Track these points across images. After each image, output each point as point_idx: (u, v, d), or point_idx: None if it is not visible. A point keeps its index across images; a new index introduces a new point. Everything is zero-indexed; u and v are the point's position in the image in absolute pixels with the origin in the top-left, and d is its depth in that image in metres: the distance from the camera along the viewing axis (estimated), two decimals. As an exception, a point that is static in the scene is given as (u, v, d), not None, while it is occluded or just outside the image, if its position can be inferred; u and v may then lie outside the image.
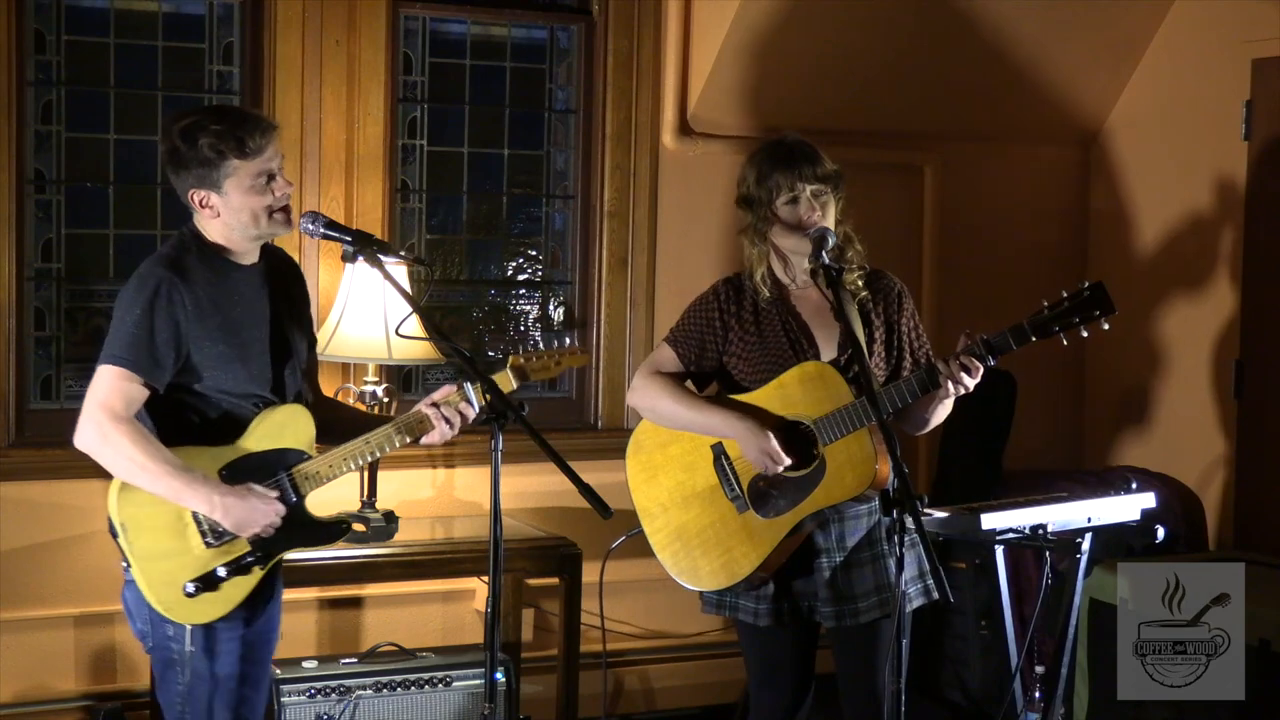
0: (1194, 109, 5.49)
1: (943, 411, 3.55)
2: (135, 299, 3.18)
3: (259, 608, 3.34)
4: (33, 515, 4.59)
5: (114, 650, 4.67)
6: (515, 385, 3.41)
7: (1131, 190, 5.77)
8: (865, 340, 3.51)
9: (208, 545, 3.21)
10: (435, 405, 3.36)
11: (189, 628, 3.21)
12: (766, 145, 3.62)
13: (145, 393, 3.17)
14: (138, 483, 3.15)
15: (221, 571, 3.20)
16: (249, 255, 3.33)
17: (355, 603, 4.94)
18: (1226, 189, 5.36)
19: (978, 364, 3.37)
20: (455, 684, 4.54)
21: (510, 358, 3.45)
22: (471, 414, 3.35)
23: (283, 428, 3.30)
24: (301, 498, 3.29)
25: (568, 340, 3.62)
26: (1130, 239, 5.76)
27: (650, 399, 3.64)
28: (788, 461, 3.45)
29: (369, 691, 4.46)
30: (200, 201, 3.24)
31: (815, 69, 5.24)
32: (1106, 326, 3.34)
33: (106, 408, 3.13)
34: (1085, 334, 3.35)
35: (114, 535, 3.21)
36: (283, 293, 3.39)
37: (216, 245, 3.28)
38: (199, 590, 3.18)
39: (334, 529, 3.39)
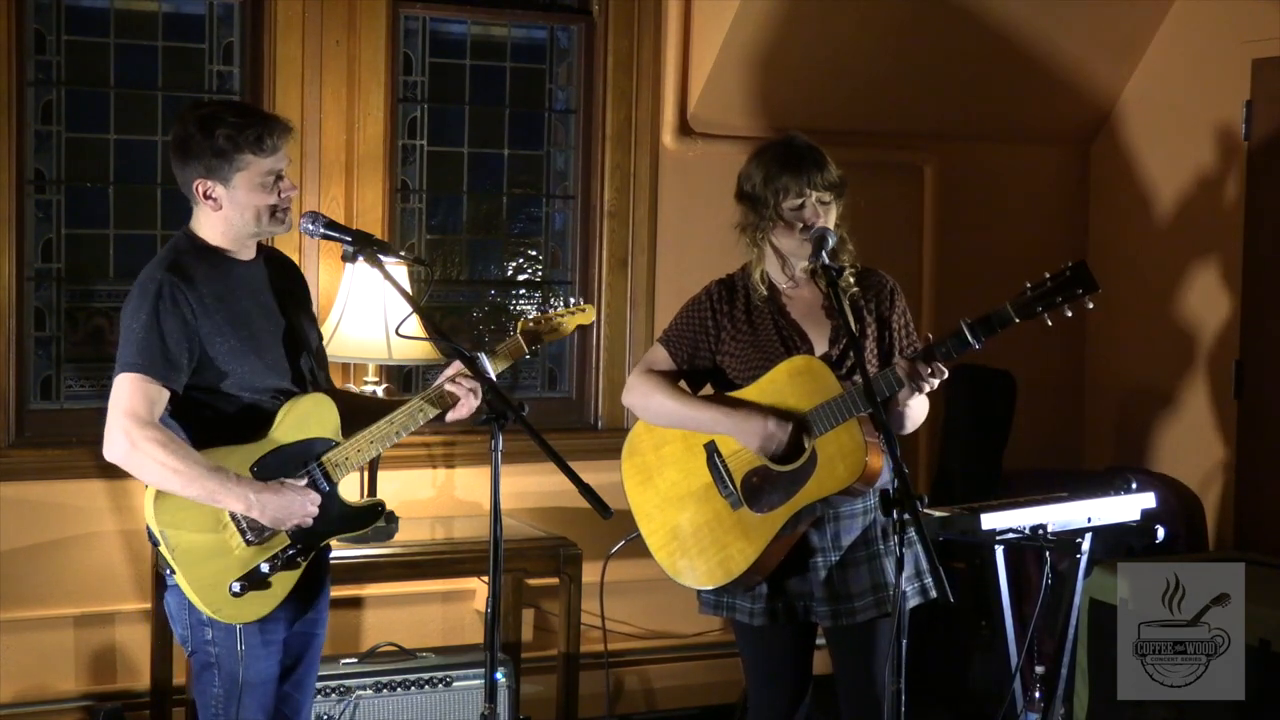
0: (1194, 109, 5.50)
1: (918, 408, 3.52)
2: (140, 305, 3.17)
3: (303, 606, 3.35)
4: (33, 515, 4.59)
5: (114, 650, 4.67)
6: (528, 351, 3.47)
7: (1131, 190, 5.76)
8: (857, 334, 3.52)
9: (248, 543, 3.20)
10: (453, 380, 3.37)
11: (239, 628, 3.21)
12: (775, 145, 3.61)
13: (165, 396, 3.15)
14: (171, 488, 3.13)
15: (265, 568, 3.21)
16: (246, 252, 3.33)
17: (355, 603, 4.94)
18: (1226, 189, 5.36)
19: (942, 368, 3.35)
20: (455, 684, 4.55)
21: (519, 322, 3.51)
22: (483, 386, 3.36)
23: (308, 417, 3.29)
24: (334, 485, 3.30)
25: (572, 301, 3.65)
26: (1130, 239, 5.76)
27: (644, 396, 3.65)
28: (788, 434, 3.44)
29: (369, 691, 4.46)
30: (204, 192, 3.23)
31: (815, 69, 5.24)
32: (1091, 305, 3.33)
33: (132, 415, 3.10)
34: (1069, 314, 3.34)
35: (154, 544, 3.19)
36: (285, 285, 3.40)
37: (213, 244, 3.28)
38: (245, 589, 3.18)
39: (369, 513, 3.40)
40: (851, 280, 3.58)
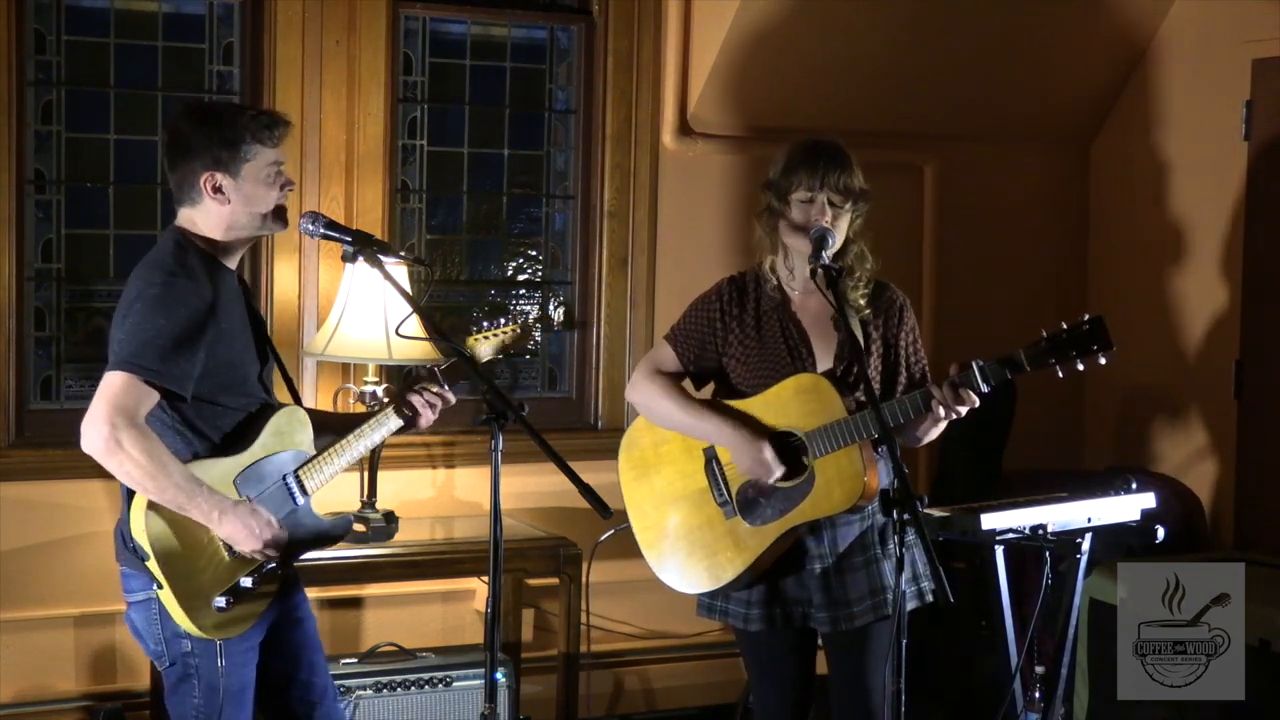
0: (1194, 109, 5.49)
1: (935, 432, 3.53)
2: (160, 307, 3.11)
3: (278, 603, 3.36)
4: (33, 515, 4.59)
5: (114, 650, 4.67)
6: (487, 357, 3.47)
7: (1131, 190, 5.76)
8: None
9: (231, 556, 3.20)
10: (417, 392, 3.39)
11: (219, 643, 3.19)
12: (806, 140, 3.60)
13: (154, 399, 3.11)
14: (139, 490, 3.10)
15: (247, 581, 3.20)
16: (234, 260, 3.32)
17: (355, 603, 4.95)
18: (1226, 189, 5.36)
19: (972, 395, 3.37)
20: (455, 684, 4.55)
21: (469, 339, 3.50)
22: (451, 398, 3.40)
23: (283, 430, 3.30)
24: (308, 497, 3.31)
25: (503, 321, 3.62)
26: (1130, 239, 5.76)
27: (647, 397, 3.65)
28: (780, 472, 3.47)
29: (369, 691, 4.46)
30: (213, 187, 3.20)
31: (815, 69, 5.24)
32: (1104, 361, 3.33)
33: (121, 411, 3.05)
34: (1081, 367, 3.34)
35: (141, 559, 3.14)
36: (249, 300, 3.41)
37: (207, 247, 3.26)
38: (231, 604, 3.17)
39: (341, 524, 3.41)
40: (863, 303, 3.57)
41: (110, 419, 3.05)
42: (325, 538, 3.38)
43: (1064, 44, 5.50)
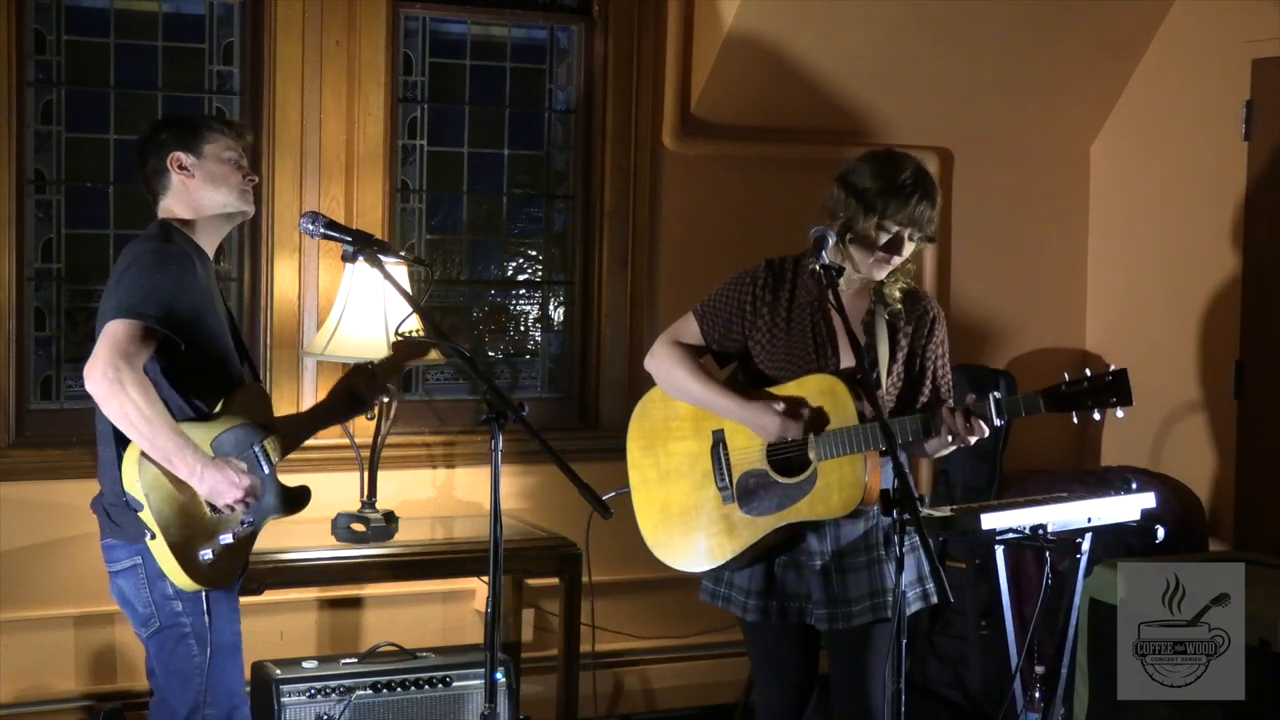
0: (1194, 109, 5.49)
1: (945, 451, 3.54)
2: (156, 265, 3.30)
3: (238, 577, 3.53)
4: (32, 515, 4.59)
5: (114, 650, 4.67)
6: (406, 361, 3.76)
7: (1131, 190, 5.76)
8: (887, 356, 3.55)
9: (213, 512, 3.33)
10: (359, 376, 3.64)
11: (204, 594, 3.32)
12: (909, 165, 3.54)
13: (152, 349, 3.26)
14: (133, 435, 3.23)
15: (227, 538, 3.34)
16: (210, 243, 3.51)
17: (355, 603, 4.95)
18: (1226, 189, 5.35)
19: (983, 425, 3.38)
20: (455, 684, 4.54)
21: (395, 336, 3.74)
22: (386, 386, 3.64)
23: (251, 403, 3.47)
24: (273, 467, 3.45)
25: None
26: (1130, 239, 5.76)
27: (667, 368, 3.67)
28: (800, 429, 3.46)
29: (369, 691, 4.45)
30: (179, 164, 3.43)
31: (815, 69, 5.24)
32: (1121, 415, 3.34)
33: (124, 355, 3.21)
34: (1098, 417, 3.35)
35: (134, 510, 3.27)
36: (219, 288, 3.59)
37: (186, 230, 3.45)
38: (214, 556, 3.31)
39: (301, 493, 3.54)
40: (898, 294, 3.59)
41: (114, 361, 3.20)
42: (290, 504, 3.50)
43: (1065, 44, 5.49)
